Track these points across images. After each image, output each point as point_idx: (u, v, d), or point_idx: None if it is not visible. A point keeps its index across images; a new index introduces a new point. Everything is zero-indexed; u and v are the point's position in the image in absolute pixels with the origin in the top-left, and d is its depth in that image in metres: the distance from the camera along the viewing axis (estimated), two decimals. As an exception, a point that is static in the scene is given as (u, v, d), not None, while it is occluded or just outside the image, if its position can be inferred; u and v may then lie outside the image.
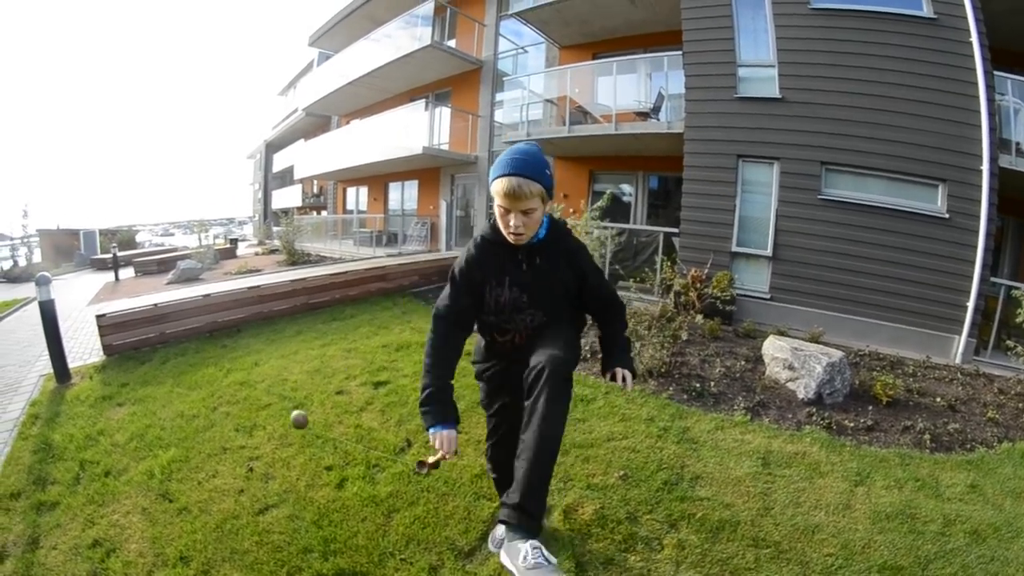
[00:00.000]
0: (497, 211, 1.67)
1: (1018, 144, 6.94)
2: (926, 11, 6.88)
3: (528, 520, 1.41)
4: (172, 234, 54.21)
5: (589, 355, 4.73)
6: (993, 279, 6.75)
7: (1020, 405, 4.76)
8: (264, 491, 2.59)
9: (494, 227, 1.74)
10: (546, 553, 1.33)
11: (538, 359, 1.55)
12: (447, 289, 1.78)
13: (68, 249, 18.08)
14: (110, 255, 12.74)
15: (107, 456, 2.96)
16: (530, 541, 1.36)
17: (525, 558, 1.31)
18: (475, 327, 1.86)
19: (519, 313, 1.73)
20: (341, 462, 2.89)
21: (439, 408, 1.63)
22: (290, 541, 2.24)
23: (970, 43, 6.62)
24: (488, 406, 2.05)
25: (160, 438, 3.17)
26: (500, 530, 2.15)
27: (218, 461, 2.90)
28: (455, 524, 2.37)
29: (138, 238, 25.80)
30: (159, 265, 12.93)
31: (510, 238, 1.67)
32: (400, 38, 12.89)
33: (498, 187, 1.59)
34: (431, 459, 1.60)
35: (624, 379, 1.78)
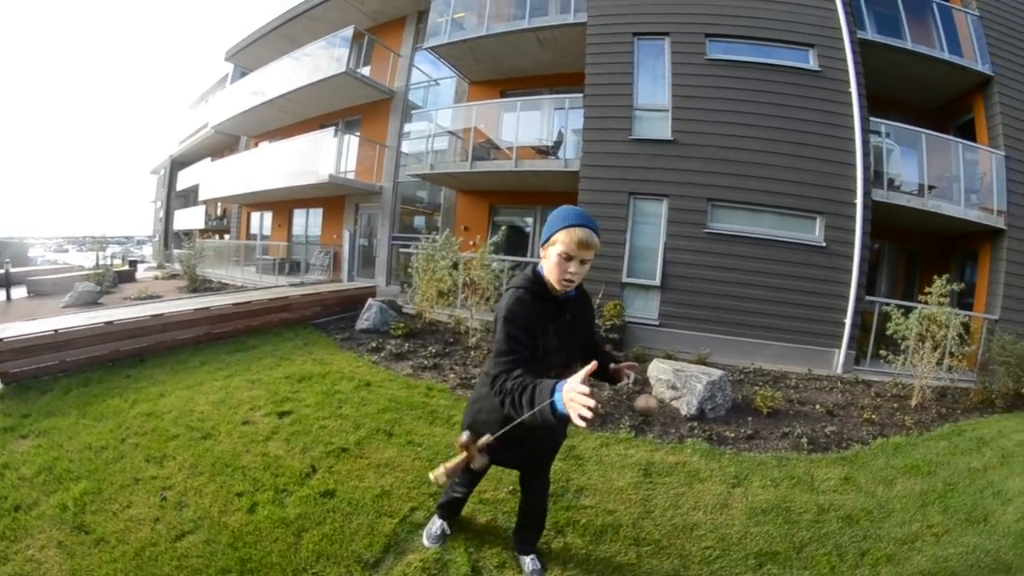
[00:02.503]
0: (555, 259, 1.73)
1: (891, 180, 7.91)
2: (812, 64, 7.79)
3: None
4: (66, 250, 49.72)
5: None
6: (869, 297, 7.65)
7: (895, 405, 5.43)
8: (179, 518, 2.73)
9: (535, 281, 1.82)
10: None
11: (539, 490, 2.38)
12: (505, 348, 1.69)
13: (-49, 261, 16.45)
14: (1, 271, 11.79)
15: (15, 490, 2.95)
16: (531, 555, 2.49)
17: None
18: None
19: (553, 356, 1.83)
20: (251, 488, 3.06)
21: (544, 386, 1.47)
22: (208, 564, 2.40)
23: (850, 93, 7.50)
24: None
25: (69, 470, 3.17)
26: (434, 527, 2.63)
27: (131, 492, 2.98)
28: (360, 539, 2.64)
29: (30, 253, 23.68)
30: (54, 285, 12.10)
31: (560, 284, 1.76)
32: (320, 57, 12.89)
33: (572, 235, 1.68)
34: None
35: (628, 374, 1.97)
